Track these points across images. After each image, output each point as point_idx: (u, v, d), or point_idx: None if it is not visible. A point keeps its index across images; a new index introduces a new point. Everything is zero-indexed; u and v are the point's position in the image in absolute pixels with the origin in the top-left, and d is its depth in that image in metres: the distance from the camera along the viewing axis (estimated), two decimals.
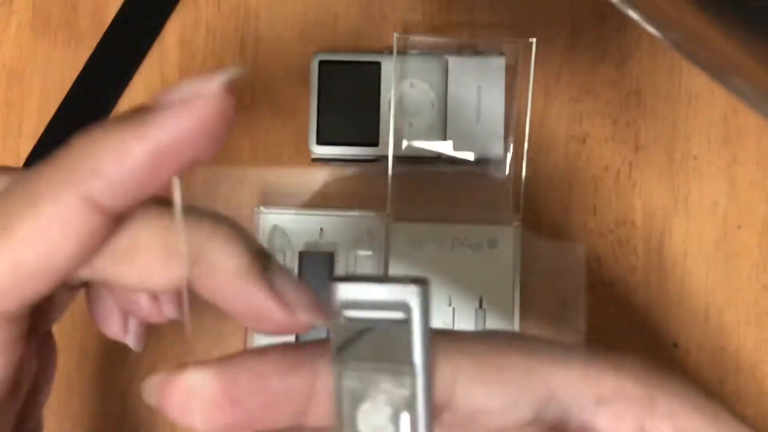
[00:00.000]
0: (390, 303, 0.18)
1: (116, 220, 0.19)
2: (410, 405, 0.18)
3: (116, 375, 0.47)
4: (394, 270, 0.46)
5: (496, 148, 0.46)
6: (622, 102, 0.48)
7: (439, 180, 0.47)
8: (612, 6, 0.22)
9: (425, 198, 0.47)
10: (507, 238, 0.46)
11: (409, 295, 0.18)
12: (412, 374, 0.18)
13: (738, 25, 0.19)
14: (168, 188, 0.20)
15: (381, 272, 0.46)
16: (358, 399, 0.19)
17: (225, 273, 0.21)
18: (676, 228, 0.47)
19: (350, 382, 0.19)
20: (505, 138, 0.46)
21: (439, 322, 0.45)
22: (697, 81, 0.47)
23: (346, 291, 0.19)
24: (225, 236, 0.21)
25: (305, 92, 0.47)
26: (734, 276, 0.47)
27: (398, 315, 0.18)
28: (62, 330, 0.47)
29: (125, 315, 0.24)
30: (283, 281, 0.21)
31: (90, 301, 0.24)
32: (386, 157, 0.45)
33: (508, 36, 0.48)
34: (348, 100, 0.46)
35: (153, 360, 0.47)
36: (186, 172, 0.20)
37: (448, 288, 0.45)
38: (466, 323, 0.45)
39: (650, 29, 0.22)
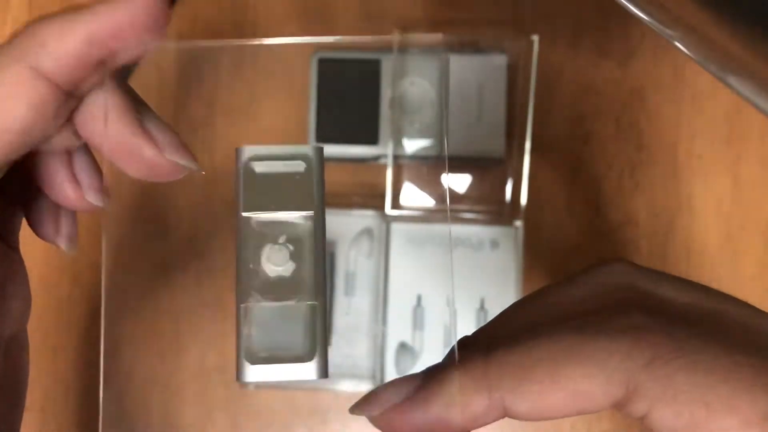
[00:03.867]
0: (293, 154, 0.24)
1: (65, 94, 0.22)
2: (309, 241, 0.23)
3: (115, 375, 0.47)
4: (394, 269, 0.46)
5: (497, 147, 0.46)
6: (625, 101, 0.47)
7: (440, 179, 0.47)
8: (615, 3, 0.22)
9: (425, 197, 0.46)
10: (508, 238, 0.45)
11: (309, 150, 0.24)
12: (311, 215, 0.23)
13: (742, 22, 0.18)
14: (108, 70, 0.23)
15: (381, 272, 0.45)
16: (262, 241, 0.22)
17: (99, 110, 0.23)
18: (679, 228, 0.47)
19: (255, 227, 0.22)
20: (507, 136, 0.46)
21: (439, 322, 0.45)
22: (700, 80, 0.47)
23: (251, 150, 0.23)
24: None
25: (304, 90, 0.47)
26: (738, 275, 0.46)
27: (299, 167, 0.24)
28: (61, 331, 0.47)
29: (57, 218, 0.26)
30: (153, 124, 0.24)
31: (28, 211, 0.26)
32: (386, 156, 0.45)
33: (509, 33, 0.47)
34: (348, 98, 0.46)
35: (151, 360, 0.47)
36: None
37: (448, 288, 0.45)
38: (466, 324, 0.45)
39: (653, 27, 0.21)
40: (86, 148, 0.25)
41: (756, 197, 0.47)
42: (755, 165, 0.47)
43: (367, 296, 0.46)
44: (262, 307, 0.22)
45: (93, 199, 0.25)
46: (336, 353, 0.45)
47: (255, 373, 0.21)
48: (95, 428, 0.47)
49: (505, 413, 0.21)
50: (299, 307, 0.22)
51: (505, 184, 0.46)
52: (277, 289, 0.22)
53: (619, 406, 0.20)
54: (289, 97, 0.48)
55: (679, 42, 0.21)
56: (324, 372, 0.22)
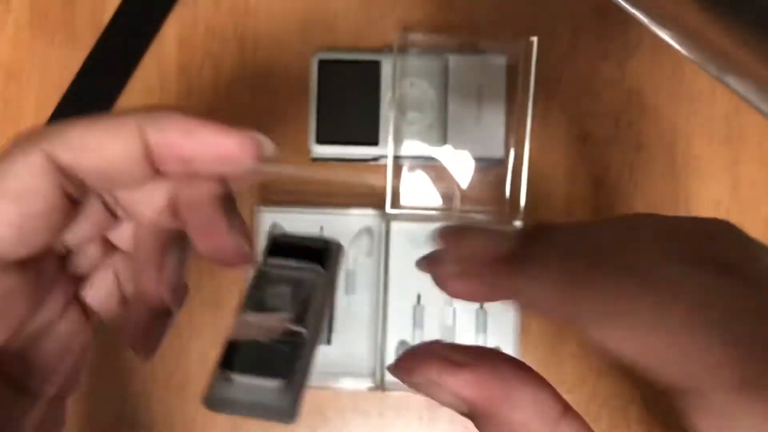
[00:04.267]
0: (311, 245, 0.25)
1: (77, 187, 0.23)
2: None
3: (113, 375, 0.47)
4: (393, 268, 0.46)
5: (496, 148, 0.46)
6: (623, 101, 0.47)
7: (439, 179, 0.47)
8: (614, 5, 0.22)
9: (425, 197, 0.47)
10: None
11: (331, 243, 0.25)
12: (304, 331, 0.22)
13: (740, 22, 0.19)
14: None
15: (381, 271, 0.45)
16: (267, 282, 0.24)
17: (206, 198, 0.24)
18: None
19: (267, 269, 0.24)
20: (506, 137, 0.46)
21: (438, 320, 0.45)
22: (698, 80, 0.47)
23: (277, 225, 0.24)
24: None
25: (305, 91, 0.47)
26: None
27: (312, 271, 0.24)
28: None
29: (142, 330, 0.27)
30: (234, 213, 0.25)
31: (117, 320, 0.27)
32: (386, 157, 0.45)
33: (508, 35, 0.48)
34: (348, 100, 0.46)
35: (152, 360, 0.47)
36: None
37: None
38: (466, 323, 0.45)
39: (652, 27, 0.22)
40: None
41: (754, 197, 0.47)
42: (753, 165, 0.47)
43: (367, 295, 0.46)
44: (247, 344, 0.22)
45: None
46: (336, 352, 0.46)
47: (221, 402, 0.22)
48: (95, 428, 0.47)
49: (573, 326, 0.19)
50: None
51: (504, 184, 0.46)
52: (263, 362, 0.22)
53: (672, 392, 0.17)
54: (290, 98, 0.48)
55: (677, 42, 0.21)
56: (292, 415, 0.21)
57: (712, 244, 0.19)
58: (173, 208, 0.25)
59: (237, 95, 0.48)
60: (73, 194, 0.23)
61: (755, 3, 0.18)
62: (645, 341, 0.17)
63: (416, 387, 0.21)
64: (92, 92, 0.48)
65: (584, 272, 0.19)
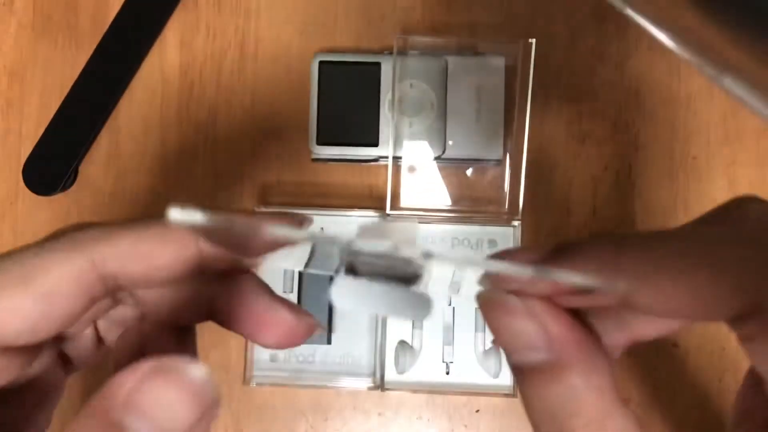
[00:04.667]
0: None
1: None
2: None
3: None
4: None
5: (495, 148, 0.46)
6: (621, 102, 0.48)
7: (439, 180, 0.47)
8: (611, 7, 0.22)
9: (425, 198, 0.47)
10: (506, 238, 0.46)
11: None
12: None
13: (736, 24, 0.19)
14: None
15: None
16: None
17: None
18: None
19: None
20: (505, 138, 0.46)
21: (438, 321, 0.46)
22: (696, 82, 0.47)
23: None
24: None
25: (305, 93, 0.47)
26: None
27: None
28: None
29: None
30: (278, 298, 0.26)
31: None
32: (386, 158, 0.45)
33: (507, 36, 0.48)
34: (348, 101, 0.47)
35: None
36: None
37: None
38: (466, 323, 0.46)
39: (649, 30, 0.22)
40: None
41: None
42: (750, 166, 0.47)
43: None
44: None
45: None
46: (336, 351, 0.46)
47: None
48: None
49: (622, 301, 0.20)
50: None
51: (503, 184, 0.46)
52: None
53: (734, 323, 0.19)
54: (290, 100, 0.48)
55: (673, 43, 0.22)
56: None
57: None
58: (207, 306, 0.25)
59: (238, 96, 0.48)
60: (99, 295, 0.22)
61: (751, 3, 0.18)
62: (694, 284, 0.19)
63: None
64: (94, 93, 0.48)
65: (621, 241, 0.20)
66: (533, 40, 0.44)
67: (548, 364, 0.20)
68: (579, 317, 0.21)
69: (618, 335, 0.22)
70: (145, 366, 0.18)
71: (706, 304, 0.19)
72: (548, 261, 0.20)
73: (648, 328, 0.22)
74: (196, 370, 0.18)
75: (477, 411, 0.46)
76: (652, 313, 0.20)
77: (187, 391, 0.18)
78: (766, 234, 0.20)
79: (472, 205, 0.47)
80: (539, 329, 0.20)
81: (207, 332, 0.47)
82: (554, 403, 0.20)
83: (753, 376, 0.23)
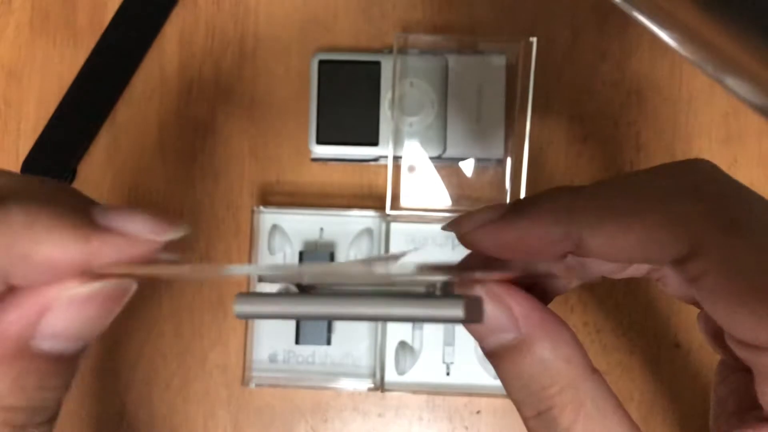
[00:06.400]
0: None
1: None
2: None
3: (116, 375, 0.47)
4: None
5: (496, 148, 0.46)
6: (622, 102, 0.47)
7: (439, 179, 0.47)
8: (613, 5, 0.22)
9: (425, 198, 0.47)
10: None
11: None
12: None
13: (738, 23, 0.19)
14: None
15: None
16: None
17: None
18: None
19: None
20: (506, 137, 0.46)
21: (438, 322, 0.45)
22: (697, 81, 0.47)
23: None
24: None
25: (305, 92, 0.47)
26: None
27: None
28: None
29: None
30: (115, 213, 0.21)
31: None
32: (386, 157, 0.45)
33: (508, 35, 0.48)
34: (348, 100, 0.46)
35: (153, 360, 0.47)
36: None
37: None
38: None
39: (651, 28, 0.22)
40: None
41: None
42: (752, 165, 0.47)
43: None
44: None
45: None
46: (336, 352, 0.46)
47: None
48: (95, 428, 0.47)
49: (577, 248, 0.21)
50: None
51: (504, 184, 0.46)
52: None
53: (678, 264, 0.21)
54: (290, 99, 0.48)
55: (675, 43, 0.21)
56: None
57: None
58: None
59: (237, 95, 0.48)
60: None
61: (753, 3, 0.18)
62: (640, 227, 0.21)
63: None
64: (93, 92, 0.48)
65: (574, 192, 0.22)
66: (534, 39, 0.44)
67: (517, 342, 0.21)
68: (535, 294, 0.23)
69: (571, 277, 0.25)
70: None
71: (652, 247, 0.21)
72: (507, 218, 0.22)
73: (603, 269, 0.25)
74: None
75: (478, 412, 0.46)
76: (604, 257, 0.21)
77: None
78: (709, 185, 0.22)
79: (472, 204, 0.47)
80: (504, 311, 0.22)
81: (207, 334, 0.47)
82: (529, 378, 0.21)
83: (720, 365, 0.27)
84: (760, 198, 0.22)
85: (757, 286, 0.20)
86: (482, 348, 0.23)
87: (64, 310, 0.20)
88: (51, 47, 0.49)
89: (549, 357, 0.21)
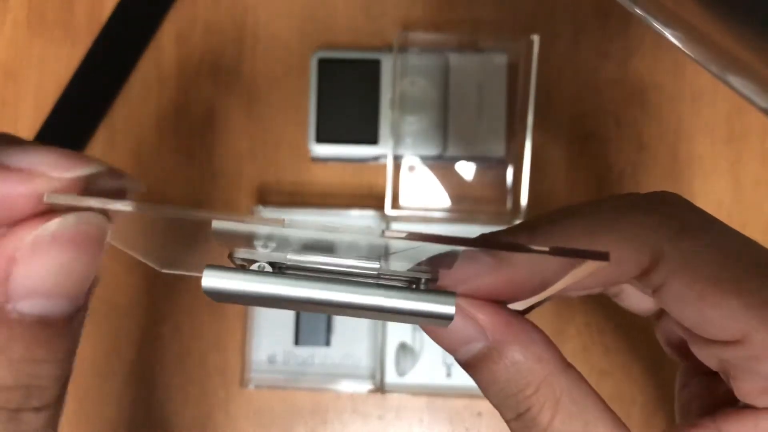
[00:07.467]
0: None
1: None
2: None
3: (115, 376, 0.47)
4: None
5: (497, 147, 0.46)
6: (625, 100, 0.47)
7: (440, 179, 0.47)
8: (615, 3, 0.22)
9: (425, 197, 0.46)
10: None
11: None
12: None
13: (742, 21, 0.18)
14: None
15: None
16: None
17: None
18: None
19: None
20: (507, 136, 0.46)
21: None
22: (701, 80, 0.47)
23: None
24: None
25: (304, 90, 0.47)
26: None
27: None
28: None
29: None
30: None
31: None
32: (386, 156, 0.45)
33: (509, 33, 0.47)
34: (348, 99, 0.46)
35: (152, 361, 0.46)
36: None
37: None
38: None
39: (653, 26, 0.21)
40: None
41: (756, 197, 0.47)
42: (755, 164, 0.47)
43: None
44: None
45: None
46: (336, 353, 0.45)
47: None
48: (95, 428, 0.47)
49: (541, 286, 0.22)
50: None
51: (505, 183, 0.46)
52: None
53: (643, 277, 0.22)
54: (290, 97, 0.48)
55: (678, 41, 0.21)
56: None
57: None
58: None
59: (235, 94, 0.48)
60: None
61: (757, 1, 0.17)
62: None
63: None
64: (90, 90, 0.48)
65: (532, 226, 0.22)
66: (536, 37, 0.44)
67: (488, 350, 0.22)
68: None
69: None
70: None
71: (620, 267, 0.21)
72: (489, 270, 0.22)
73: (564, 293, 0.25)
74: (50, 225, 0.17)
75: (479, 414, 0.46)
76: (574, 288, 0.22)
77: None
78: (663, 205, 0.23)
79: (473, 204, 0.46)
80: (469, 322, 0.22)
81: (205, 335, 0.47)
82: (505, 382, 0.22)
83: (681, 372, 0.28)
84: (710, 215, 0.23)
85: (718, 282, 0.20)
86: (457, 361, 0.23)
87: (30, 259, 0.17)
88: (48, 45, 0.48)
89: (520, 359, 0.21)
